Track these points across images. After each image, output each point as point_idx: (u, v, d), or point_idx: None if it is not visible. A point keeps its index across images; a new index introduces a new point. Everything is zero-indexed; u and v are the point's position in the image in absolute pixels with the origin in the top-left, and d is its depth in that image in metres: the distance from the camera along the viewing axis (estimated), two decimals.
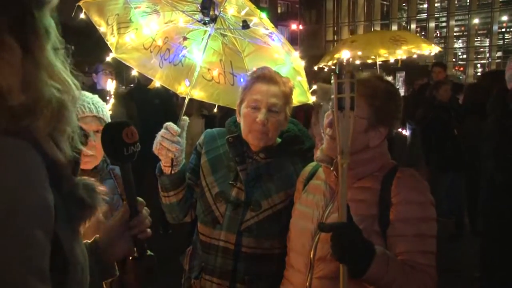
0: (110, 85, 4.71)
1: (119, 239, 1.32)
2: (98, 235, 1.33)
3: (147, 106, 5.18)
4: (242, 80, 2.49)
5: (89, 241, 1.30)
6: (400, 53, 7.60)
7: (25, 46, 0.89)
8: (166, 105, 5.32)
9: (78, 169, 1.04)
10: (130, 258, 1.35)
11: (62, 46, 0.99)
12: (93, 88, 4.85)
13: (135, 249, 1.35)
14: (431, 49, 7.85)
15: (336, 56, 7.53)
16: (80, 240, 1.04)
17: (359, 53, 7.39)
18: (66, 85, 0.95)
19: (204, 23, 2.34)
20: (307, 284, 1.73)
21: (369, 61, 7.93)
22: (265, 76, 2.06)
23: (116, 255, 1.32)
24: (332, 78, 1.39)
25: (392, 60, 7.91)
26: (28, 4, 0.90)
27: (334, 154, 1.62)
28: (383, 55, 7.47)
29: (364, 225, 1.60)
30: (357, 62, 7.88)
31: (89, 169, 2.19)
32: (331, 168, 1.74)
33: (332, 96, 1.39)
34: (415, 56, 7.99)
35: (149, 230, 1.38)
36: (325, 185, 1.82)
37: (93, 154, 2.16)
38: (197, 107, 5.25)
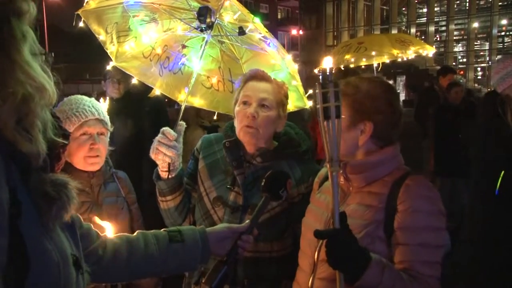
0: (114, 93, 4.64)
1: (225, 240, 1.63)
2: (204, 228, 1.65)
3: (139, 113, 5.10)
4: None
5: (198, 229, 1.63)
6: (410, 53, 7.69)
7: (1, 46, 0.93)
8: (157, 113, 5.25)
9: (49, 166, 1.06)
10: (217, 262, 1.60)
11: (41, 53, 1.04)
12: (103, 95, 4.76)
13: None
14: (432, 50, 8.24)
15: (347, 57, 7.61)
16: (57, 237, 1.05)
17: (373, 53, 7.48)
18: (38, 83, 0.97)
19: (201, 30, 2.36)
20: (309, 284, 1.74)
21: (375, 62, 8.00)
22: (257, 75, 2.11)
23: (217, 250, 1.62)
24: (316, 88, 1.39)
25: (375, 64, 7.97)
26: (4, 11, 0.94)
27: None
28: (397, 55, 7.55)
29: (368, 230, 1.60)
30: (375, 64, 7.98)
31: (94, 172, 2.24)
32: (340, 171, 1.75)
33: (318, 106, 1.40)
34: (413, 56, 8.11)
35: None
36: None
37: (98, 155, 2.20)
38: (194, 117, 5.12)
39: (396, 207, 1.61)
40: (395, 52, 7.36)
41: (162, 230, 1.64)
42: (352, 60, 7.70)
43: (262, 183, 1.78)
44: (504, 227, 2.99)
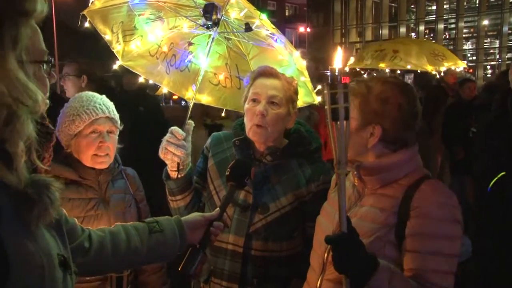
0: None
1: (199, 228, 1.71)
2: (179, 217, 1.71)
3: (131, 112, 4.99)
4: None
5: (173, 218, 1.69)
6: (443, 70, 7.68)
7: None
8: (151, 112, 5.19)
9: (32, 167, 1.02)
10: (191, 249, 1.67)
11: (40, 58, 1.01)
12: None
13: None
14: (463, 66, 8.22)
15: (381, 65, 7.62)
16: (42, 238, 1.01)
17: (409, 66, 7.60)
18: (25, 96, 0.92)
19: (207, 27, 2.35)
20: (318, 284, 1.72)
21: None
22: (265, 72, 2.10)
23: (192, 238, 1.68)
24: (325, 88, 1.35)
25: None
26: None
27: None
28: (431, 71, 7.63)
29: (379, 234, 1.57)
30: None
31: (101, 169, 2.24)
32: (354, 172, 1.71)
33: (326, 107, 1.35)
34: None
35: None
36: (352, 187, 1.77)
37: (107, 154, 2.20)
38: (199, 116, 4.86)
39: (409, 212, 1.56)
40: (429, 68, 7.44)
41: (138, 221, 1.72)
42: (387, 70, 7.69)
43: (227, 173, 1.85)
44: (497, 225, 2.96)
